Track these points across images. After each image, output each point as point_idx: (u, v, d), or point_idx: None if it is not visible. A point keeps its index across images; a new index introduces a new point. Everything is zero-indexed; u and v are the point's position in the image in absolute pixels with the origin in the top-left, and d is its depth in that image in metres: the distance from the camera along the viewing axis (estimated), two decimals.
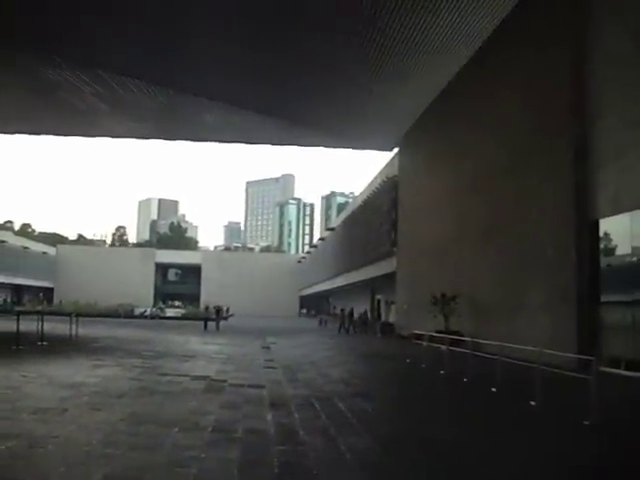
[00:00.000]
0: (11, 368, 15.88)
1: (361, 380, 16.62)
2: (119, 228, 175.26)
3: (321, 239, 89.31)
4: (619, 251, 18.41)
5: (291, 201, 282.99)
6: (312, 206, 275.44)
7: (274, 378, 15.81)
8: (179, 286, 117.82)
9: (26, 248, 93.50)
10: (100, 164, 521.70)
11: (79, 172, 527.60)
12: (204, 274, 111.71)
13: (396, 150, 43.53)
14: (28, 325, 24.00)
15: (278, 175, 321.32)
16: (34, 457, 7.30)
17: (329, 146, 50.23)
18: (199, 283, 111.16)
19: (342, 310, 49.92)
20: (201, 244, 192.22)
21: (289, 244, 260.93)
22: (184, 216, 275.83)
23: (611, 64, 18.26)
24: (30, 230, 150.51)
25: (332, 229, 77.56)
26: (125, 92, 32.98)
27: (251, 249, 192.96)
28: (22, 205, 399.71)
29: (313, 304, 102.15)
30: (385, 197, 45.96)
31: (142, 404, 11.29)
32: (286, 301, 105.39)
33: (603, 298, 18.41)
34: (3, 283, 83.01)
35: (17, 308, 59.66)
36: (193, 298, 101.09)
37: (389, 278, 42.88)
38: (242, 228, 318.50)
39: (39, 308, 56.79)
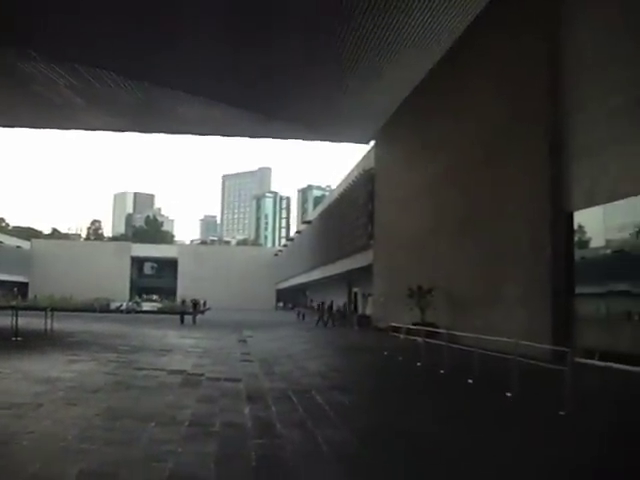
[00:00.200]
0: None
1: (338, 373, 16.66)
2: (94, 222, 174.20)
3: (298, 232, 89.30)
4: (593, 244, 18.58)
5: (268, 194, 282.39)
6: (289, 199, 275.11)
7: (251, 371, 15.79)
8: (155, 280, 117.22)
9: (0, 242, 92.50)
10: (75, 157, 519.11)
11: (54, 165, 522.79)
12: (180, 268, 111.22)
13: (373, 143, 43.60)
14: (2, 320, 23.78)
15: (255, 168, 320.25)
16: (9, 453, 7.24)
17: (306, 139, 50.26)
18: (175, 277, 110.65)
19: (322, 303, 50.21)
20: (177, 238, 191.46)
21: (266, 237, 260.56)
22: (160, 210, 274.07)
23: (586, 56, 18.38)
24: (4, 224, 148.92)
25: (309, 222, 77.60)
26: (101, 85, 32.71)
27: (228, 242, 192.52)
28: None
29: (290, 297, 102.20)
30: (362, 190, 46.01)
31: (118, 399, 11.23)
32: (263, 294, 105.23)
33: (578, 290, 18.59)
34: None
35: None
36: (170, 292, 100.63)
37: (366, 271, 42.96)
38: (218, 222, 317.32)
39: (13, 303, 56.27)
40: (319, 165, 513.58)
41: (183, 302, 53.15)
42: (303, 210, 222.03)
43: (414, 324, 24.19)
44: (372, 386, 14.82)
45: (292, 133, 45.43)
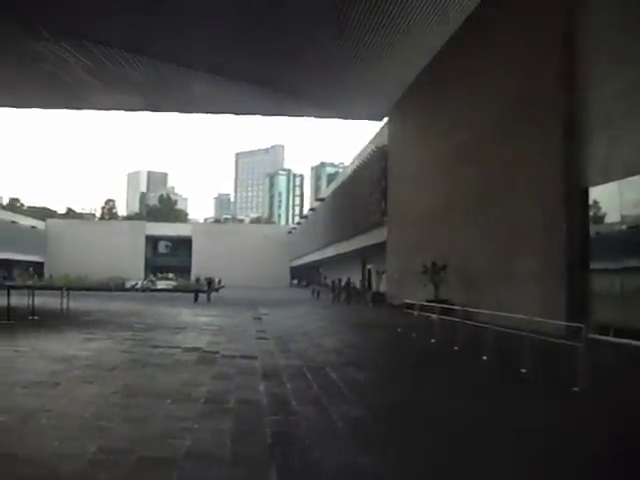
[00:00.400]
0: (2, 343, 15.85)
1: (353, 349, 16.68)
2: (108, 201, 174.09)
3: (311, 210, 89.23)
4: (608, 219, 18.47)
5: (281, 172, 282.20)
6: (302, 177, 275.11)
7: (266, 349, 15.84)
8: (170, 258, 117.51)
9: (15, 222, 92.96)
10: (88, 137, 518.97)
11: (67, 146, 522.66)
12: (194, 246, 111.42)
13: (386, 120, 43.38)
14: (19, 300, 23.95)
15: (268, 146, 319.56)
16: (27, 431, 7.30)
17: (319, 116, 50.00)
18: (190, 255, 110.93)
19: (339, 280, 50.48)
20: (191, 216, 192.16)
21: (279, 215, 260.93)
22: (173, 188, 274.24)
23: (600, 33, 18.18)
24: (19, 204, 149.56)
25: (322, 199, 77.53)
26: (113, 64, 32.70)
27: (241, 221, 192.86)
28: (10, 180, 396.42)
29: (304, 275, 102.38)
30: (375, 167, 45.90)
31: (134, 376, 11.32)
32: (277, 272, 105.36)
33: (592, 266, 18.53)
34: None
35: (7, 283, 59.51)
36: (184, 270, 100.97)
37: (380, 248, 42.94)
38: (232, 200, 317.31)
39: (30, 283, 56.63)
40: (332, 142, 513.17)
41: (197, 280, 53.30)
42: (316, 187, 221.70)
43: (428, 301, 24.19)
44: (386, 363, 14.84)
45: (305, 110, 45.24)
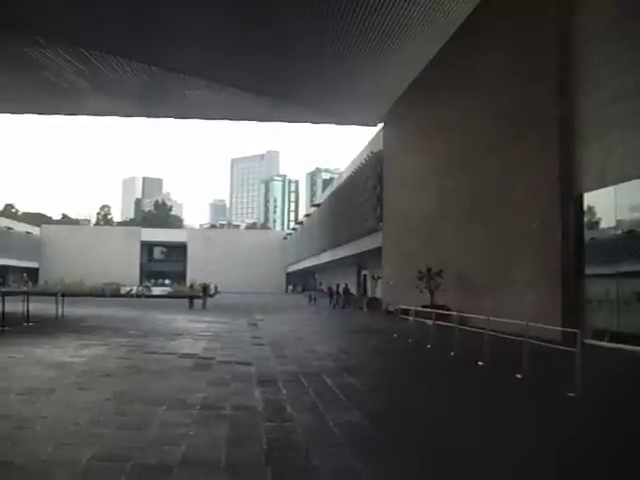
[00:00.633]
0: None
1: (348, 355, 16.66)
2: (103, 207, 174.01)
3: (307, 215, 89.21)
4: (603, 224, 18.52)
5: (276, 178, 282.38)
6: (297, 183, 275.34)
7: (262, 355, 15.84)
8: (165, 264, 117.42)
9: (10, 229, 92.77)
10: (83, 143, 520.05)
11: (62, 151, 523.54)
12: (190, 252, 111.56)
13: (381, 125, 43.42)
14: (13, 306, 23.89)
15: (263, 152, 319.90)
16: (22, 437, 7.29)
17: (314, 122, 50.02)
18: (185, 261, 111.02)
19: (337, 286, 50.93)
20: (186, 222, 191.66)
21: (274, 221, 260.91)
22: (169, 194, 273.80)
23: (595, 39, 18.26)
24: (13, 210, 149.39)
25: (317, 205, 77.49)
26: (107, 70, 32.74)
27: (237, 226, 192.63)
28: (5, 186, 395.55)
29: (299, 280, 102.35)
30: (370, 172, 45.91)
31: (130, 383, 11.29)
32: (273, 278, 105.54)
33: (587, 271, 18.57)
34: None
35: (2, 289, 59.38)
36: (179, 276, 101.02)
37: (375, 253, 42.95)
38: (227, 205, 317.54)
39: (24, 288, 56.54)
40: (327, 148, 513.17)
41: (191, 286, 53.35)
42: (312, 193, 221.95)
43: (423, 306, 24.21)
44: (382, 368, 14.83)
45: (300, 116, 45.26)
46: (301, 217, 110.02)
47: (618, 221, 17.64)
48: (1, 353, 14.96)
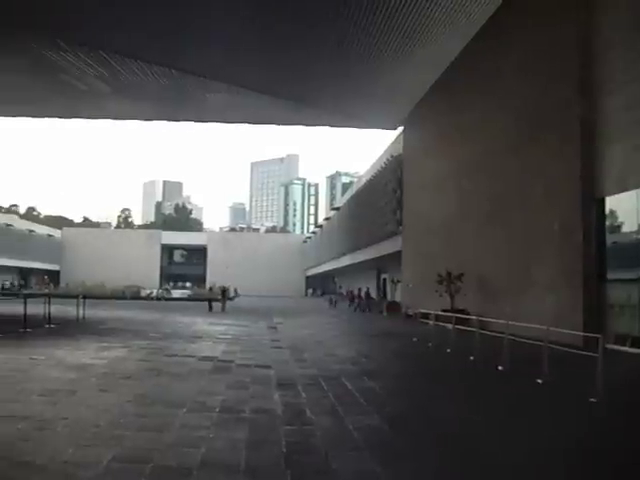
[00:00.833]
0: (19, 351, 15.95)
1: (368, 359, 16.61)
2: (124, 210, 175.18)
3: (326, 219, 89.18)
4: (625, 228, 18.36)
5: (296, 181, 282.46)
6: (317, 186, 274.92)
7: (281, 358, 15.84)
8: (185, 267, 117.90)
9: (32, 231, 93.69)
10: (104, 147, 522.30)
11: (83, 155, 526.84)
12: (210, 255, 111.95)
13: (401, 128, 43.33)
14: (35, 308, 24.07)
15: (282, 155, 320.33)
16: (44, 438, 7.33)
17: (333, 125, 49.94)
18: (205, 264, 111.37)
19: (358, 290, 51.38)
20: (206, 225, 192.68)
21: (294, 224, 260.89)
22: (189, 198, 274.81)
23: (619, 37, 18.11)
24: (35, 213, 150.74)
25: (337, 209, 77.43)
26: (127, 73, 32.91)
27: (256, 230, 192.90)
28: (27, 189, 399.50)
29: (319, 284, 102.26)
30: (390, 176, 45.85)
31: (150, 385, 11.35)
32: (292, 281, 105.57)
33: (609, 276, 18.41)
34: (10, 266, 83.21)
35: (24, 291, 59.95)
36: (199, 279, 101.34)
37: (395, 257, 42.81)
38: (247, 209, 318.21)
39: (46, 291, 56.96)
40: (347, 152, 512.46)
41: (210, 289, 53.42)
42: (331, 197, 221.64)
43: (443, 310, 24.10)
44: (402, 372, 14.79)
45: (320, 120, 45.29)
46: (321, 220, 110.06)
47: None
48: (23, 355, 15.07)
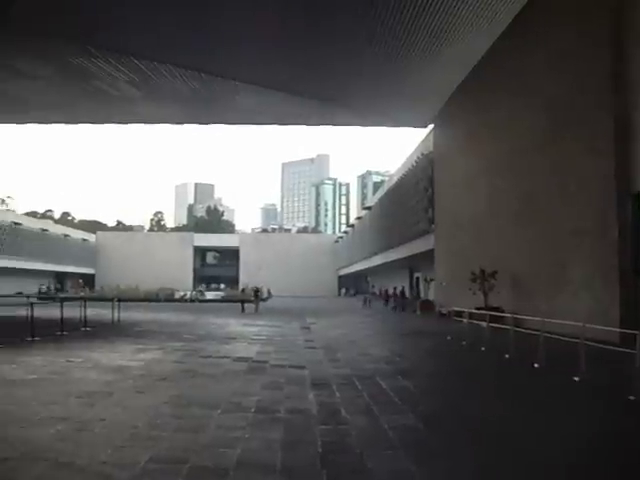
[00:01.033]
0: (56, 354, 16.18)
1: (402, 358, 16.56)
2: (157, 213, 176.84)
3: (358, 218, 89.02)
4: None
5: (327, 181, 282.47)
6: (348, 186, 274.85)
7: (315, 358, 15.86)
8: (218, 269, 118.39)
9: (67, 236, 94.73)
10: (136, 151, 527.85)
11: (116, 160, 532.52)
12: (242, 256, 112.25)
13: (431, 126, 43.13)
14: (71, 311, 24.37)
15: (313, 156, 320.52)
16: (82, 439, 7.44)
17: (363, 125, 49.80)
18: (237, 265, 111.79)
19: (394, 289, 52.10)
20: (238, 227, 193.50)
21: (325, 224, 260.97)
22: (220, 200, 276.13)
23: None
24: (70, 218, 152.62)
25: (368, 208, 77.25)
26: (158, 78, 33.15)
27: (288, 230, 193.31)
28: (61, 194, 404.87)
29: (352, 284, 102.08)
30: (421, 174, 45.66)
31: (185, 386, 11.43)
32: (325, 281, 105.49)
33: None
34: (46, 270, 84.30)
35: (61, 295, 60.71)
36: (232, 280, 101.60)
37: (427, 255, 42.61)
38: (278, 210, 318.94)
39: (82, 294, 57.57)
40: (377, 151, 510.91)
41: (243, 290, 53.60)
42: (363, 196, 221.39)
43: (477, 308, 23.96)
44: (436, 371, 14.74)
45: (350, 119, 45.15)
46: (352, 220, 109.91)
47: None
48: (60, 357, 15.28)
